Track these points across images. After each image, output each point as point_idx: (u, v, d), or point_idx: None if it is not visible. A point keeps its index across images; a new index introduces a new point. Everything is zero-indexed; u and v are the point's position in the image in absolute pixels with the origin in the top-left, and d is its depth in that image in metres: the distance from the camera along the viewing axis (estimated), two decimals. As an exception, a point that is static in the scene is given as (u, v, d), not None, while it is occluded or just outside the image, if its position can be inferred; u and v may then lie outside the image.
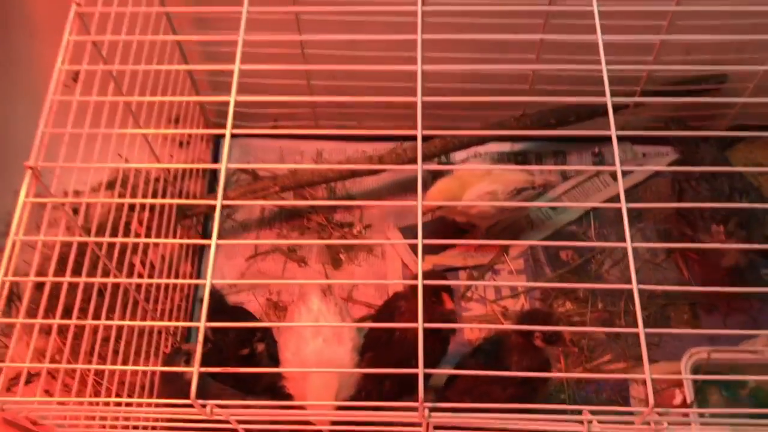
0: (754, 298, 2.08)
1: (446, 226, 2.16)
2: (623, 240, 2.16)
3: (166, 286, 2.01)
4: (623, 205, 1.21)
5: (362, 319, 2.06)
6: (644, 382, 1.96)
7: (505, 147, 2.33)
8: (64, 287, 1.50)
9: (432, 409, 1.05)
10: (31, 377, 2.07)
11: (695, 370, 1.93)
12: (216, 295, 2.00)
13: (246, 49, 1.28)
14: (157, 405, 1.04)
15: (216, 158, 2.37)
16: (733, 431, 1.11)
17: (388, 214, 2.27)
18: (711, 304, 2.08)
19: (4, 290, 1.15)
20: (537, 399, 1.71)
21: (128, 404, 1.55)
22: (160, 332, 1.96)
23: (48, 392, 2.02)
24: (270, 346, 1.85)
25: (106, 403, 1.20)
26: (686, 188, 2.03)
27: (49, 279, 1.35)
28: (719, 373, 1.94)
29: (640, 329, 1.10)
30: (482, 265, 2.15)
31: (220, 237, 2.22)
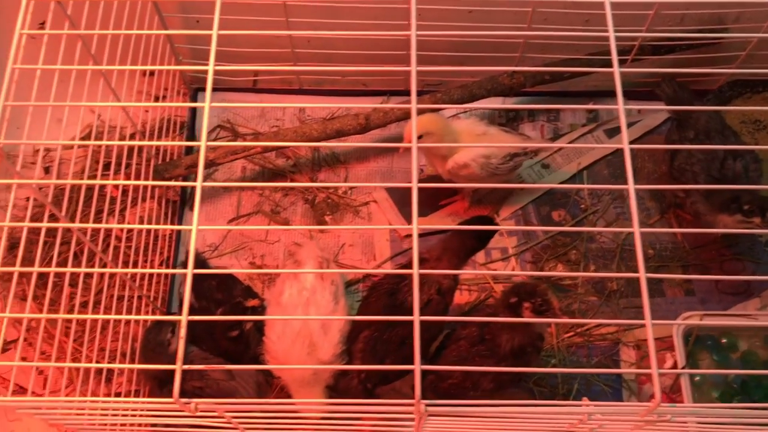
0: (748, 260, 2.05)
1: (437, 188, 2.09)
2: (617, 199, 2.14)
3: (145, 249, 1.94)
4: (625, 146, 1.14)
5: (350, 284, 2.00)
6: (635, 346, 1.96)
7: (496, 102, 2.24)
8: (39, 251, 1.42)
9: (429, 405, 1.00)
10: (8, 345, 2.01)
11: (687, 334, 1.91)
12: (199, 259, 1.94)
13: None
14: (143, 403, 0.98)
15: (193, 114, 2.25)
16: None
17: (374, 173, 2.19)
18: (704, 266, 2.05)
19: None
20: (529, 373, 1.69)
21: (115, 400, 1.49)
22: (140, 297, 1.89)
23: (25, 359, 1.97)
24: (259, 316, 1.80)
25: (94, 399, 1.12)
26: (681, 150, 1.96)
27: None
28: (711, 337, 1.93)
29: (641, 275, 1.03)
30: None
31: (201, 199, 2.16)
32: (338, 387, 1.66)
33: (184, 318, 1.02)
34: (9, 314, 1.08)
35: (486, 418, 1.14)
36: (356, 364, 1.61)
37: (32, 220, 1.99)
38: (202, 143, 1.11)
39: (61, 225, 1.15)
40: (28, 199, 2.11)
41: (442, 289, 1.69)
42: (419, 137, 1.76)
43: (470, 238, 1.68)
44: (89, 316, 1.12)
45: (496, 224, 1.80)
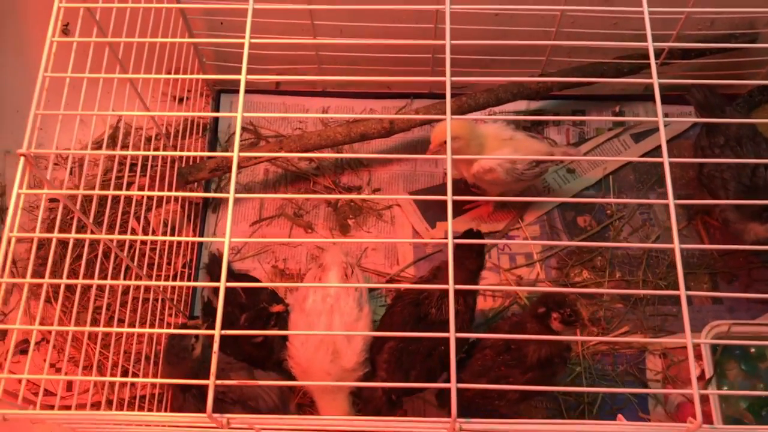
0: (777, 268, 2.02)
1: (458, 192, 2.08)
2: (643, 205, 2.10)
3: (168, 251, 1.94)
4: (665, 160, 1.11)
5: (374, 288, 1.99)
6: (661, 355, 1.93)
7: (521, 105, 2.22)
8: (69, 254, 1.41)
9: (464, 423, 0.99)
10: (26, 346, 2.02)
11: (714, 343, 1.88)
12: (220, 262, 1.92)
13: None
14: (172, 417, 0.97)
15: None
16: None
17: (397, 176, 2.17)
18: (731, 274, 2.02)
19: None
20: (556, 382, 1.67)
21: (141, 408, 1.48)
22: (163, 300, 1.89)
23: (53, 365, 1.98)
24: (282, 322, 1.80)
25: (122, 414, 1.12)
26: (709, 156, 1.93)
27: (56, 235, 1.26)
28: (740, 346, 1.90)
29: (682, 291, 1.02)
30: (496, 232, 2.07)
31: (224, 201, 2.14)
32: (362, 395, 1.65)
33: (216, 332, 1.01)
34: (38, 327, 1.07)
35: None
36: (381, 375, 1.60)
37: (55, 221, 1.99)
38: (235, 154, 1.10)
39: (89, 236, 1.15)
40: (51, 200, 2.12)
41: (466, 300, 1.68)
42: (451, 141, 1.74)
43: (469, 259, 1.65)
44: (114, 329, 1.11)
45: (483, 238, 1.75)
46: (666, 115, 2.22)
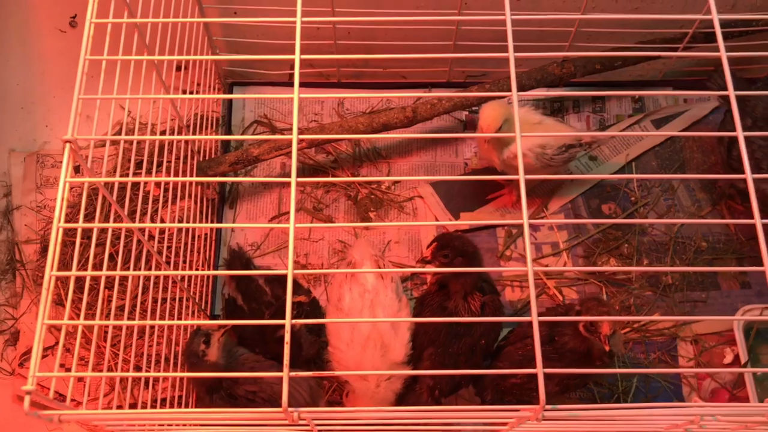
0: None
1: (483, 182, 2.05)
2: (667, 191, 2.08)
3: (185, 248, 1.87)
4: (739, 134, 1.09)
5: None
6: (693, 341, 1.91)
7: (541, 92, 2.18)
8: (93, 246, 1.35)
9: (549, 410, 0.95)
10: (45, 351, 1.94)
11: (747, 328, 1.87)
12: (243, 259, 1.87)
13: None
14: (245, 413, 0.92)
15: (230, 108, 2.19)
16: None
17: (417, 167, 2.13)
18: (759, 258, 2.00)
19: (51, 283, 0.99)
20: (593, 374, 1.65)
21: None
22: (181, 299, 1.82)
23: (63, 365, 1.90)
24: (307, 313, 1.75)
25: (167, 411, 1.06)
26: (736, 139, 1.91)
27: (96, 225, 1.19)
28: (772, 331, 1.89)
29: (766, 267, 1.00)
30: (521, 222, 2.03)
31: (241, 196, 2.08)
32: (408, 401, 1.60)
33: (287, 322, 0.96)
34: (67, 321, 1.01)
35: (589, 421, 1.09)
36: (426, 383, 1.56)
37: (66, 220, 1.92)
38: (294, 137, 1.05)
39: (137, 225, 1.09)
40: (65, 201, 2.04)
41: (485, 289, 1.65)
42: (500, 128, 1.71)
43: (463, 275, 1.61)
44: (158, 322, 1.05)
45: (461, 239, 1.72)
46: (685, 100, 2.21)
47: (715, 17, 1.13)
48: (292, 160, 1.03)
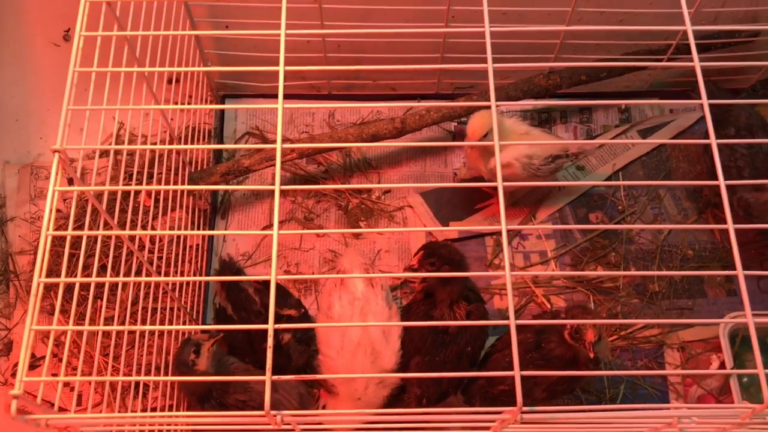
0: (791, 259, 2.03)
1: (470, 191, 2.07)
2: (653, 200, 2.11)
3: (176, 259, 1.89)
4: (713, 141, 1.12)
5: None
6: (679, 348, 1.93)
7: (528, 102, 2.21)
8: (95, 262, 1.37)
9: (525, 412, 0.97)
10: (39, 360, 1.95)
11: (733, 335, 1.89)
12: (233, 269, 1.89)
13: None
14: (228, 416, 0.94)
15: (222, 120, 2.21)
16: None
17: (407, 177, 2.15)
18: (744, 265, 2.01)
19: (39, 290, 1.01)
20: (582, 380, 1.66)
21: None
22: (172, 309, 1.84)
23: (55, 375, 1.91)
24: (297, 331, 1.76)
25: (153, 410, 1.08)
26: (722, 147, 1.94)
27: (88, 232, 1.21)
28: (758, 337, 1.90)
29: (739, 271, 1.03)
30: (509, 230, 2.06)
31: (233, 207, 2.10)
32: (395, 405, 1.62)
33: (270, 327, 0.98)
34: (55, 326, 1.03)
35: (570, 424, 1.11)
36: (414, 392, 1.58)
37: (56, 230, 1.94)
38: (278, 146, 1.08)
39: (127, 232, 1.11)
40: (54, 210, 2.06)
41: (471, 298, 1.68)
42: (485, 135, 1.74)
43: (449, 283, 1.63)
44: (157, 327, 1.07)
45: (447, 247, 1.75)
46: (671, 110, 2.24)
47: (689, 29, 1.16)
48: (276, 167, 1.05)
